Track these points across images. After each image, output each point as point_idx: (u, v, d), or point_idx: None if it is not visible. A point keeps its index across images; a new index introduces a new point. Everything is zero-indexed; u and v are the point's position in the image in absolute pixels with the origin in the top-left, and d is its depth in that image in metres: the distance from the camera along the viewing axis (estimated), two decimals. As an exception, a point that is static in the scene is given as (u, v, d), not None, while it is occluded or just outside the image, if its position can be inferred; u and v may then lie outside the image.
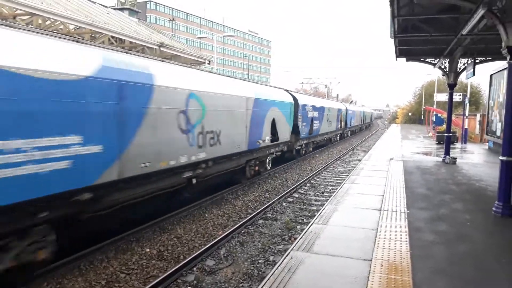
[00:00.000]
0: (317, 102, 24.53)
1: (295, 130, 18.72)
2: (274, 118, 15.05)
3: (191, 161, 9.11)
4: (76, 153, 5.86)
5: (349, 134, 41.33)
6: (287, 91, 19.42)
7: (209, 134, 9.93)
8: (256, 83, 16.72)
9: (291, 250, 5.58)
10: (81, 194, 6.10)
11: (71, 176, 5.80)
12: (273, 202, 11.10)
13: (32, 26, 13.80)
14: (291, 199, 11.98)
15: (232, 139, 11.41)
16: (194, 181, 9.54)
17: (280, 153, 16.77)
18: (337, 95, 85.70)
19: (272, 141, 15.04)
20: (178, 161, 8.56)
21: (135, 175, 7.20)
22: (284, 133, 16.71)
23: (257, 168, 14.07)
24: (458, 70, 14.36)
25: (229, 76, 13.58)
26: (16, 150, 5.00)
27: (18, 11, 13.50)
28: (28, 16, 14.12)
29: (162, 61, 9.21)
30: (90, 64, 6.25)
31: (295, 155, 19.88)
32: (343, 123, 34.95)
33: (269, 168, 15.47)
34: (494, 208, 7.58)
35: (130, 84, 7.04)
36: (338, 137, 33.52)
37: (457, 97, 28.04)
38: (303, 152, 21.33)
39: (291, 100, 18.14)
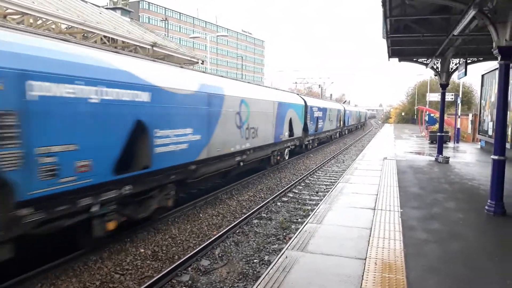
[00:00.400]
0: (321, 104, 27.74)
1: (305, 128, 21.90)
2: (291, 118, 18.37)
3: (241, 148, 12.59)
4: (189, 139, 9.11)
5: (346, 132, 44.55)
6: (298, 94, 23.83)
7: (252, 129, 13.42)
8: (277, 89, 20.66)
9: (286, 249, 5.60)
10: (190, 166, 9.37)
11: (187, 154, 9.07)
12: (268, 202, 11.12)
13: (23, 26, 13.70)
14: (286, 199, 12.00)
15: (264, 134, 14.82)
16: (241, 164, 12.83)
17: (294, 146, 19.93)
18: (331, 95, 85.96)
19: (289, 136, 18.23)
20: (235, 148, 12.03)
21: (214, 156, 10.59)
22: (298, 130, 20.11)
23: (278, 158, 17.29)
24: (450, 70, 14.48)
25: (260, 85, 18.24)
26: (166, 136, 8.16)
27: (9, 10, 13.36)
28: (19, 16, 13.99)
29: (222, 76, 13.54)
30: (196, 83, 9.69)
31: (303, 149, 23.14)
32: (341, 122, 38.07)
33: (286, 158, 18.81)
34: (486, 207, 7.66)
35: (213, 95, 10.44)
36: (337, 134, 36.85)
37: (449, 97, 28.25)
38: (310, 146, 24.57)
39: (302, 103, 21.49)
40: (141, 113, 7.31)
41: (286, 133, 17.64)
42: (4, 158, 4.87)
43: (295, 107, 19.43)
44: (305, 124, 21.76)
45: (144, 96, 7.38)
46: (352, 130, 51.37)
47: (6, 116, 4.88)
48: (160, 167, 8.02)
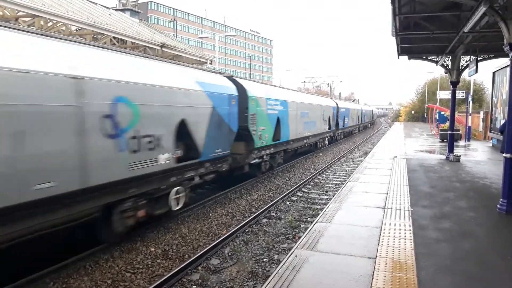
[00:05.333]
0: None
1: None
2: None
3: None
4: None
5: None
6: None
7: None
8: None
9: (296, 248, 5.60)
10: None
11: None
12: (277, 201, 11.12)
13: (34, 28, 13.86)
14: (295, 198, 11.99)
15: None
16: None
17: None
18: (340, 93, 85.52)
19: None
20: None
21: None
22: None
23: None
24: (460, 67, 14.32)
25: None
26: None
27: (20, 13, 13.53)
28: (30, 18, 14.15)
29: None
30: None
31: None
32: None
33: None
34: (498, 206, 7.57)
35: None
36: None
37: (460, 94, 27.94)
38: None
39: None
40: None
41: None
42: None
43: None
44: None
45: None
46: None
47: None
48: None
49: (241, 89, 12.56)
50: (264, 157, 14.56)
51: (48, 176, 5.52)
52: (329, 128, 27.02)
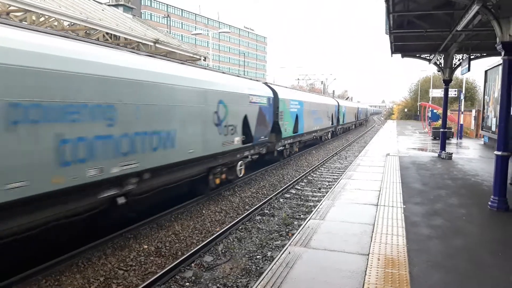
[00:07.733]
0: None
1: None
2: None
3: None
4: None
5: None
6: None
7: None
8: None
9: (289, 245, 5.61)
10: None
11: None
12: (270, 198, 11.13)
13: (26, 23, 13.71)
14: (288, 195, 12.02)
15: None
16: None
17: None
18: (333, 91, 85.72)
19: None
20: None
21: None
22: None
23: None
24: (453, 66, 14.40)
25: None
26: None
27: (12, 8, 13.35)
28: (22, 13, 13.97)
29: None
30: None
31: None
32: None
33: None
34: (489, 203, 7.65)
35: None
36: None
37: (452, 93, 28.16)
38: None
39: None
40: None
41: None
42: None
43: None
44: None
45: None
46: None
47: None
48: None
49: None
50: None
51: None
52: (332, 123, 31.51)
